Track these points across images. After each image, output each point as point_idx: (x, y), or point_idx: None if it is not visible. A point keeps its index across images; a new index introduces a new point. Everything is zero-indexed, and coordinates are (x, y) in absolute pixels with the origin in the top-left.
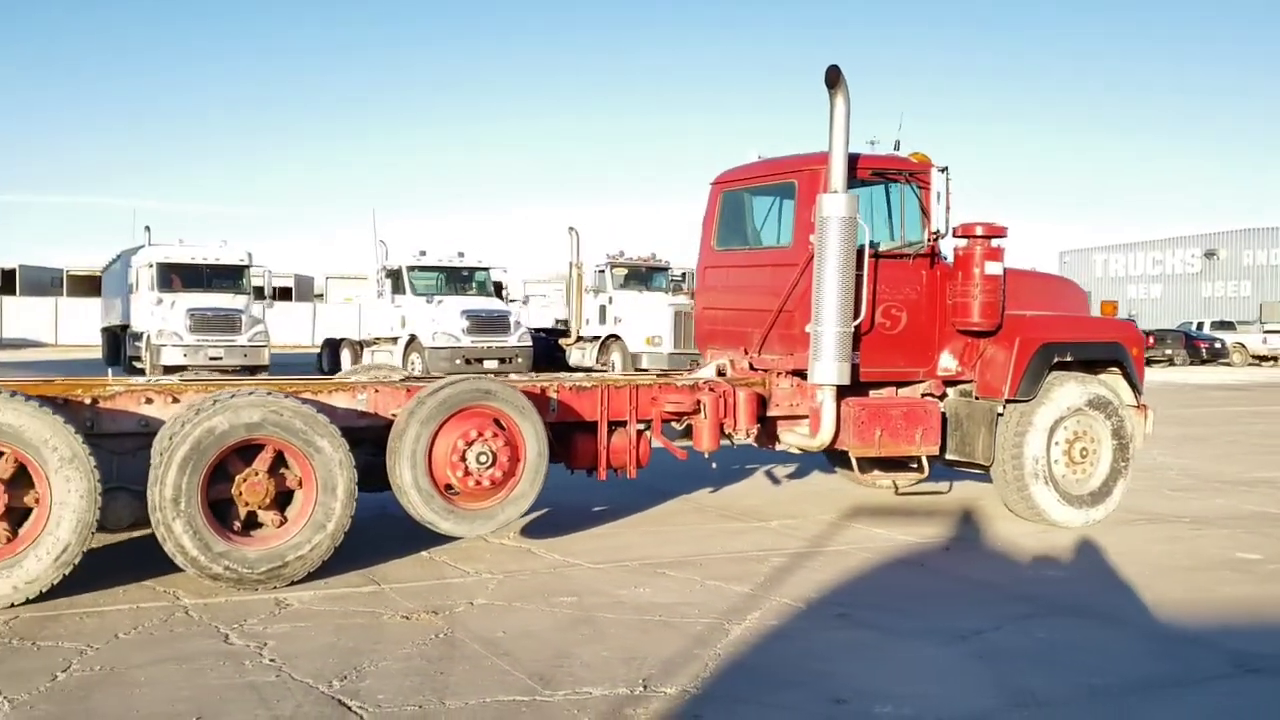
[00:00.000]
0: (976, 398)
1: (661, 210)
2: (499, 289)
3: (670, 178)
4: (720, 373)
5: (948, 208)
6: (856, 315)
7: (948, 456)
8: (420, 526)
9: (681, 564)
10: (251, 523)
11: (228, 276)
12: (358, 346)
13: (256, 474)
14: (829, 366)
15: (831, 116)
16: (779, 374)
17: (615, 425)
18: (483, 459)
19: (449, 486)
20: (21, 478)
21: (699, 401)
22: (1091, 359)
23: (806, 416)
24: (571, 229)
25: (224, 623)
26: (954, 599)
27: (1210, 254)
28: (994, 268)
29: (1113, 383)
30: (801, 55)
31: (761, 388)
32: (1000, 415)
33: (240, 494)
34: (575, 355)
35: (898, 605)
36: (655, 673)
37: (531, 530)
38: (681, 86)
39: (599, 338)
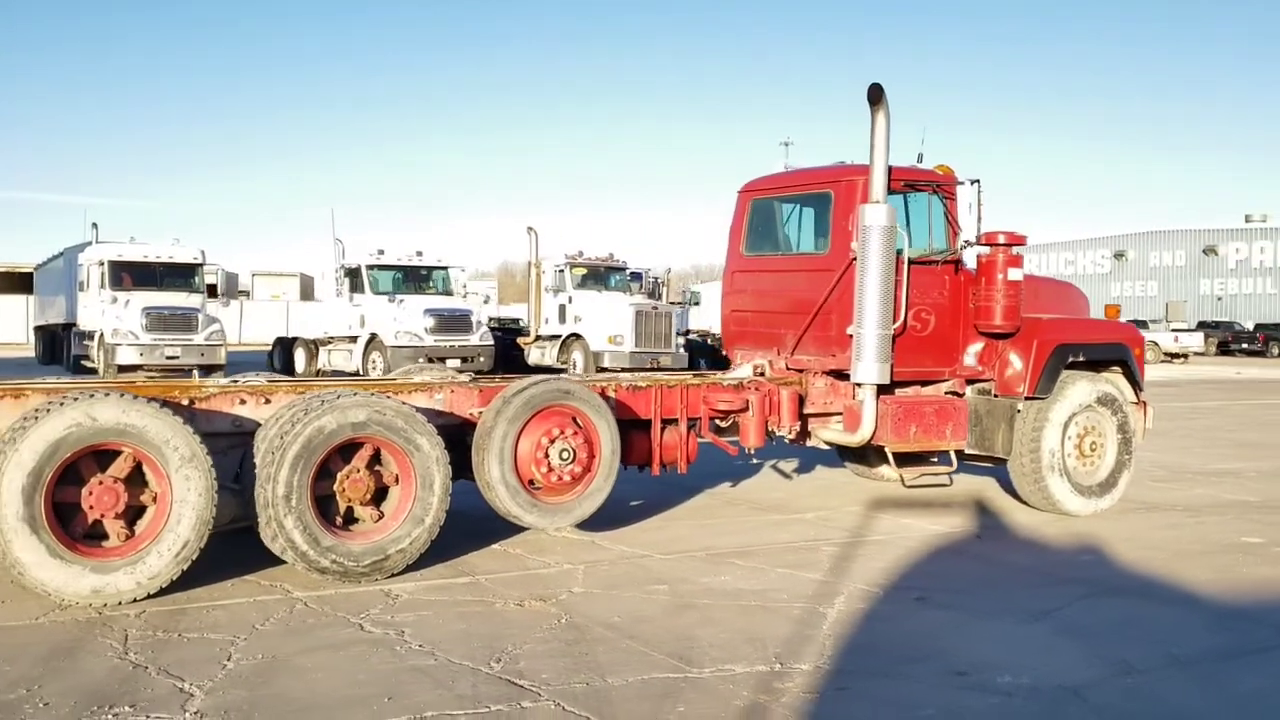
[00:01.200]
0: (996, 395)
1: (617, 215)
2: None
3: (621, 184)
4: (759, 373)
5: (979, 218)
6: (895, 318)
7: (967, 450)
8: (482, 521)
9: (744, 554)
10: (349, 518)
11: (181, 275)
12: (312, 346)
13: (358, 471)
14: (871, 366)
15: (873, 131)
16: (814, 374)
17: (666, 423)
18: (564, 455)
19: (532, 481)
20: (135, 477)
21: (747, 401)
22: (1100, 359)
23: (839, 414)
24: (530, 229)
25: (348, 613)
26: (1011, 582)
27: (1119, 255)
28: (1015, 273)
29: (1116, 380)
30: (774, 64)
31: (799, 386)
32: (1019, 411)
33: (343, 490)
34: (534, 354)
35: (965, 588)
36: (782, 651)
37: (586, 524)
38: (656, 95)
39: (559, 337)
